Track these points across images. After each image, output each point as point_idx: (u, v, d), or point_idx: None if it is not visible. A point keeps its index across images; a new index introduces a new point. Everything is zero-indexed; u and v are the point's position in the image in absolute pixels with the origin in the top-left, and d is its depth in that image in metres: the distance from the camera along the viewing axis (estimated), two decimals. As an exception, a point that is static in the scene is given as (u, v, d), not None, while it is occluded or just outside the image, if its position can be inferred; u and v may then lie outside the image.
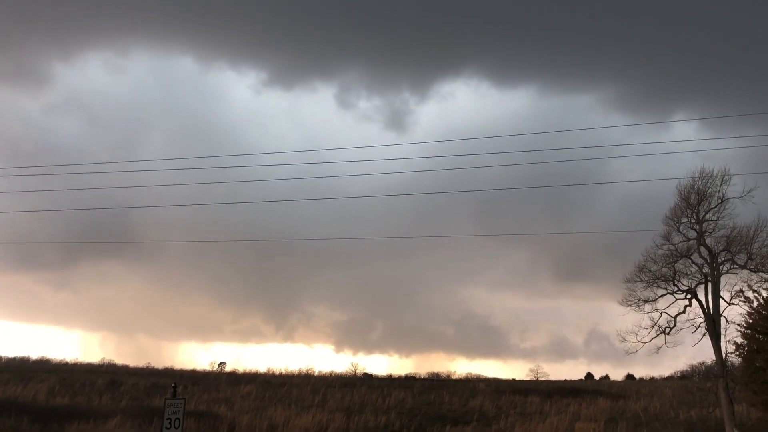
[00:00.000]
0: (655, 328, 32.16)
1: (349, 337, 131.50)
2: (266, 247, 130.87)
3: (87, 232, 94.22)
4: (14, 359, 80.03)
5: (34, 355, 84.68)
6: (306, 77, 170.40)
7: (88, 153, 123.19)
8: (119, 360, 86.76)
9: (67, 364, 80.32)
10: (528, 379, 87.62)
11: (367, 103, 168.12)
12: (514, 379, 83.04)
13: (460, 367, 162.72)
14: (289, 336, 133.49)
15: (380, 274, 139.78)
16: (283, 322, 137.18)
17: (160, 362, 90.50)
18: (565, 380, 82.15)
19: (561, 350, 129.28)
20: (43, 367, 69.93)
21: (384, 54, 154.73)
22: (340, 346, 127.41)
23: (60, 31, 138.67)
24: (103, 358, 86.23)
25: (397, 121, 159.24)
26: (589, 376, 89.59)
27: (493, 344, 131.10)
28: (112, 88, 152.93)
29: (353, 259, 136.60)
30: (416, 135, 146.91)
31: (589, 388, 60.97)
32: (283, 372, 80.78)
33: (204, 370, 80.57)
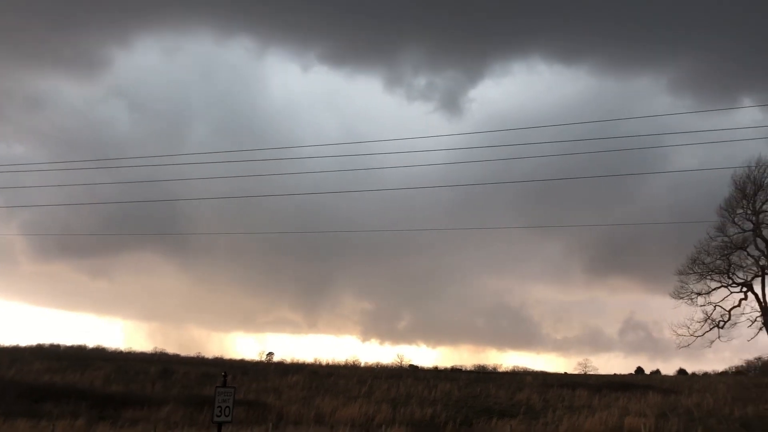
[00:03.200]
0: (709, 321, 31.41)
1: (377, 327, 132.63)
2: (302, 239, 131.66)
3: (128, 224, 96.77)
4: (72, 347, 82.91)
5: (91, 344, 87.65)
6: (359, 57, 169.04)
7: (136, 142, 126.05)
8: (167, 349, 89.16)
9: (121, 352, 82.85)
10: (576, 372, 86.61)
11: (421, 83, 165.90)
12: (565, 373, 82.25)
13: (491, 358, 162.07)
14: (319, 326, 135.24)
15: (411, 265, 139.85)
16: (314, 312, 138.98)
17: (204, 351, 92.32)
18: (615, 374, 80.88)
19: (595, 342, 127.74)
20: (99, 356, 72.23)
21: (439, 32, 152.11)
22: (366, 335, 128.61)
23: (116, 14, 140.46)
24: (156, 348, 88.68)
25: (450, 101, 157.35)
26: (639, 370, 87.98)
27: (525, 336, 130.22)
28: (166, 73, 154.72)
29: (387, 250, 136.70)
30: (470, 116, 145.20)
31: (639, 382, 59.80)
32: (330, 363, 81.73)
33: (252, 360, 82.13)
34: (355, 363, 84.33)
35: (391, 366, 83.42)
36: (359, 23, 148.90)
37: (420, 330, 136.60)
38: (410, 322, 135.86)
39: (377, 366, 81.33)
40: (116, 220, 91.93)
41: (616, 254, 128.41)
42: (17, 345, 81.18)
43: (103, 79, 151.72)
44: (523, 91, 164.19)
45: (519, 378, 63.65)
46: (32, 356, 61.83)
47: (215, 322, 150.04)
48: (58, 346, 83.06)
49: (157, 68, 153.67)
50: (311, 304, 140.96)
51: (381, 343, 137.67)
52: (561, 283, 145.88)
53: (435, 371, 76.01)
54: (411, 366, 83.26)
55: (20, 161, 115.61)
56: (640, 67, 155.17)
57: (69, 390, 40.50)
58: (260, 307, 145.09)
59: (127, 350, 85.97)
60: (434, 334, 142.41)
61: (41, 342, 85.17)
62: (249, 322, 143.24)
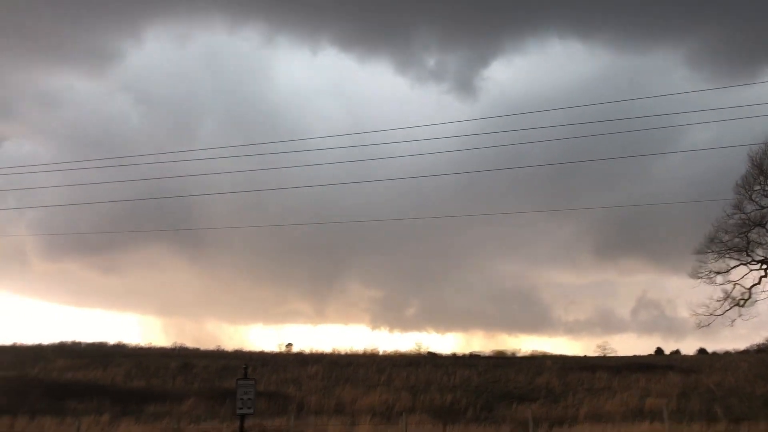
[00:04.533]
0: (729, 300, 31.17)
1: (386, 315, 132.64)
2: (311, 231, 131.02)
3: (138, 220, 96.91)
4: (93, 344, 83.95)
5: (111, 340, 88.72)
6: (370, 39, 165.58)
7: (147, 137, 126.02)
8: (186, 343, 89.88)
9: (141, 348, 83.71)
10: (595, 355, 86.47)
11: (433, 63, 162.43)
12: (584, 356, 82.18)
13: (502, 343, 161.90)
14: (329, 316, 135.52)
15: (420, 252, 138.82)
16: (323, 302, 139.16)
17: (220, 344, 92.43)
18: (634, 356, 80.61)
19: (607, 324, 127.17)
20: (120, 352, 73.02)
21: (450, 10, 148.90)
22: (376, 323, 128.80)
23: (127, 5, 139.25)
24: (175, 342, 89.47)
25: (464, 82, 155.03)
26: (659, 351, 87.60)
27: (535, 320, 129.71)
28: (177, 64, 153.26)
29: (395, 238, 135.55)
30: (483, 95, 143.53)
31: (659, 363, 59.59)
32: (348, 352, 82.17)
33: (272, 352, 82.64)
34: (373, 352, 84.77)
35: (409, 354, 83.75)
36: (371, 3, 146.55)
37: (429, 317, 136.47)
38: (419, 309, 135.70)
39: (395, 354, 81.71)
40: (125, 216, 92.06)
41: (628, 235, 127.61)
42: (40, 343, 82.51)
43: (114, 73, 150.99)
44: (537, 69, 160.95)
45: (538, 362, 63.61)
46: (55, 354, 62.53)
47: (230, 315, 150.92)
48: (79, 344, 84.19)
49: (168, 60, 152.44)
50: (320, 294, 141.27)
51: (391, 331, 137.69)
52: (571, 266, 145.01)
53: (453, 358, 76.20)
54: (429, 353, 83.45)
55: (29, 159, 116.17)
56: (658, 40, 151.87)
57: (92, 387, 40.96)
58: (272, 299, 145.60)
59: (147, 346, 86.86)
60: (444, 321, 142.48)
61: (63, 340, 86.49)
62: (262, 314, 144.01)
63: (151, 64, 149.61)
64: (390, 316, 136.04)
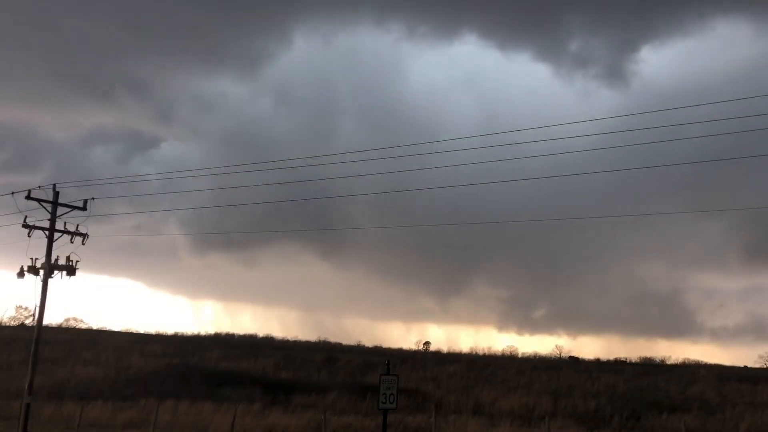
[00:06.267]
0: None
1: (515, 316, 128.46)
2: (442, 231, 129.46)
3: (278, 219, 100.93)
4: (244, 336, 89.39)
5: (261, 333, 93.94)
6: (512, 28, 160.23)
7: (291, 138, 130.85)
8: (328, 337, 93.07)
9: (288, 341, 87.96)
10: (757, 366, 79.85)
11: (578, 50, 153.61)
12: (744, 366, 76.20)
13: (639, 348, 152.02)
14: (458, 316, 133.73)
15: (554, 253, 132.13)
16: (451, 303, 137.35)
17: (359, 340, 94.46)
18: (804, 368, 73.59)
19: (764, 331, 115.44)
20: (269, 344, 77.22)
21: None
22: (503, 324, 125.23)
23: (277, 8, 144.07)
24: (319, 337, 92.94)
25: (613, 70, 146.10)
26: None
27: (677, 324, 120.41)
28: (323, 65, 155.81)
29: (531, 239, 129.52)
30: (635, 83, 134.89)
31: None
32: (486, 352, 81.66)
33: (410, 350, 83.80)
34: (513, 353, 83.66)
35: (550, 357, 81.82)
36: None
37: (560, 319, 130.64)
38: (550, 311, 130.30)
39: (535, 357, 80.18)
40: (268, 216, 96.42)
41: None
42: (198, 333, 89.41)
43: (264, 75, 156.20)
44: (695, 52, 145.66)
45: (690, 371, 59.87)
46: (211, 344, 67.41)
47: (366, 312, 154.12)
48: (232, 335, 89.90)
49: (313, 60, 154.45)
50: (448, 293, 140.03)
51: (518, 333, 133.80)
52: (720, 268, 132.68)
53: (597, 363, 73.50)
54: (571, 357, 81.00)
55: (181, 160, 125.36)
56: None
57: (244, 376, 43.72)
58: (403, 297, 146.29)
59: (292, 339, 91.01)
60: (576, 324, 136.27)
61: (218, 331, 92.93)
62: (393, 312, 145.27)
63: (298, 66, 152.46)
64: (518, 317, 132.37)
